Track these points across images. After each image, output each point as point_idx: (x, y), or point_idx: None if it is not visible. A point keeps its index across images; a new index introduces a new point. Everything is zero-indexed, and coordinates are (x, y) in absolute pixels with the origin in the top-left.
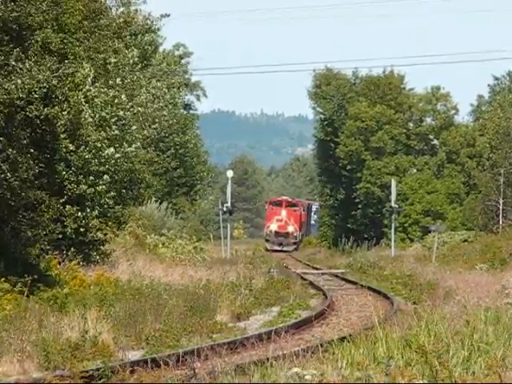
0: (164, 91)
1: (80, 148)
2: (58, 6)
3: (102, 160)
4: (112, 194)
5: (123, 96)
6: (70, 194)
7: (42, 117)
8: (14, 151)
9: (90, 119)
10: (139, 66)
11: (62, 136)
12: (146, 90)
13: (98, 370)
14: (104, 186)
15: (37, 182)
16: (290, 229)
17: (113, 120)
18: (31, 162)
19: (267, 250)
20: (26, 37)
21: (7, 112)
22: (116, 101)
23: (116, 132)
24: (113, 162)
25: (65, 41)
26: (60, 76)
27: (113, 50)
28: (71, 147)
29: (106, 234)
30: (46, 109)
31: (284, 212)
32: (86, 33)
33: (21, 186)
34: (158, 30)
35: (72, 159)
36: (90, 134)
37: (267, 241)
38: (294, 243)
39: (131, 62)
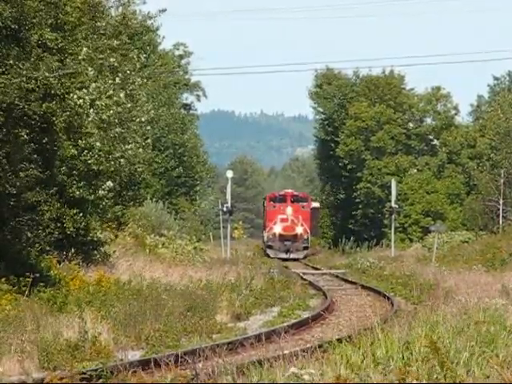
0: (159, 91)
1: (83, 153)
2: (54, 6)
3: (103, 160)
4: (111, 194)
5: (122, 94)
6: (70, 197)
7: (40, 113)
8: (14, 151)
9: (93, 123)
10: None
11: (63, 138)
12: (144, 89)
13: (96, 370)
14: (105, 190)
15: (35, 183)
16: (299, 230)
17: (116, 120)
18: (29, 157)
19: (269, 257)
20: (23, 35)
21: (5, 110)
22: (116, 100)
23: (117, 129)
24: (113, 162)
25: (63, 40)
26: (60, 76)
27: (110, 49)
28: (73, 151)
29: (110, 232)
30: (44, 104)
31: (290, 209)
32: (85, 32)
33: (20, 185)
34: (157, 29)
35: (74, 164)
36: (94, 140)
37: (269, 247)
38: (305, 248)
39: (137, 64)
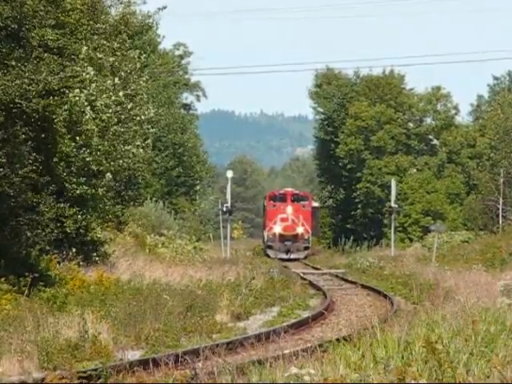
0: (159, 91)
1: (81, 149)
2: (55, 5)
3: (102, 159)
4: (111, 194)
5: (121, 93)
6: (70, 194)
7: (39, 110)
8: (14, 149)
9: (93, 123)
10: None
11: (62, 132)
12: (145, 90)
13: (96, 370)
14: (104, 188)
15: (35, 181)
16: (299, 230)
17: (115, 120)
18: (29, 156)
19: (269, 257)
20: (23, 35)
21: (5, 109)
22: (116, 99)
23: (116, 127)
24: (113, 162)
25: (62, 36)
26: (61, 78)
27: (111, 50)
28: (72, 147)
29: (110, 232)
30: (42, 101)
31: (290, 208)
32: (85, 32)
33: (20, 183)
34: (157, 24)
35: (73, 160)
36: (91, 135)
37: (269, 247)
38: (306, 248)
39: (138, 64)
